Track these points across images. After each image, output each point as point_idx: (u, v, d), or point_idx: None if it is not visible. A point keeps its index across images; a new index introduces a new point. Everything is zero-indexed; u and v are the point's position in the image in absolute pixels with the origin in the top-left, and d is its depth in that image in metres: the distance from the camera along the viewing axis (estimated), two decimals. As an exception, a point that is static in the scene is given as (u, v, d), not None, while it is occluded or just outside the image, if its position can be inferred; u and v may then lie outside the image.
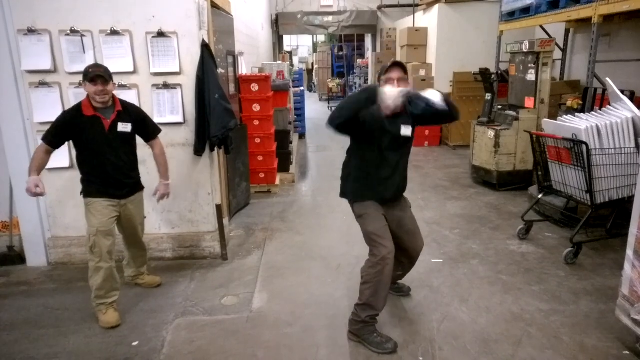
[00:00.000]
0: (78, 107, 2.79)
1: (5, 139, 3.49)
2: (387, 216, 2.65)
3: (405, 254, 2.80)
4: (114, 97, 2.86)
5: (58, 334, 2.80)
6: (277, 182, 5.75)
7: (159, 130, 3.09)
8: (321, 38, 19.70)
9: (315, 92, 19.30)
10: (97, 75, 2.69)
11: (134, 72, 3.44)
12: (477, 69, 6.20)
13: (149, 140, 3.04)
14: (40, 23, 3.31)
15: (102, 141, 2.79)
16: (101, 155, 2.80)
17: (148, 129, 3.01)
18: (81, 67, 2.89)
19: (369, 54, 14.47)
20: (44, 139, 2.77)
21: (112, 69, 3.32)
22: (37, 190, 2.67)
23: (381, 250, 2.49)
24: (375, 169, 2.60)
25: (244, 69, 5.80)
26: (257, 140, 5.40)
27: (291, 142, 6.48)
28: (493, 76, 6.03)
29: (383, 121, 2.49)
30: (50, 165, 3.40)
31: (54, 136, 2.76)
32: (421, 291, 3.20)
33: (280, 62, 9.61)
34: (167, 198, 3.15)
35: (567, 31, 6.86)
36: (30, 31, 3.30)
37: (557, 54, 6.64)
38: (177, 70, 3.44)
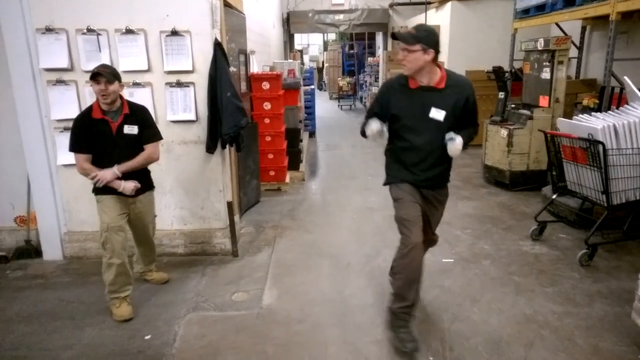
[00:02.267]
0: (88, 111, 2.83)
1: (24, 135, 3.56)
2: (422, 203, 2.58)
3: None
4: (122, 99, 2.87)
5: (73, 326, 2.85)
6: (287, 180, 5.77)
7: (158, 138, 3.00)
8: (332, 36, 19.66)
9: (325, 90, 19.29)
10: (96, 72, 2.67)
11: (148, 70, 3.48)
12: (490, 67, 6.14)
13: (144, 143, 2.92)
14: (57, 22, 3.37)
15: (110, 143, 2.81)
16: (109, 157, 2.82)
17: (145, 133, 2.91)
18: (97, 65, 2.92)
19: (379, 52, 14.41)
20: (75, 150, 2.81)
21: (126, 68, 3.40)
22: (132, 187, 2.83)
23: (410, 239, 2.45)
24: (403, 152, 2.57)
25: (255, 68, 5.83)
26: (268, 138, 5.43)
27: (301, 141, 6.49)
28: (506, 74, 5.97)
29: (411, 102, 2.46)
30: (66, 161, 3.50)
31: (80, 142, 2.80)
32: (432, 291, 3.19)
33: (291, 60, 9.63)
34: (94, 181, 2.79)
35: (583, 29, 6.76)
36: (48, 30, 3.36)
37: (573, 52, 6.54)
38: (190, 68, 3.48)
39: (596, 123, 3.49)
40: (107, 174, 2.78)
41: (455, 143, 2.43)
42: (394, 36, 2.42)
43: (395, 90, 2.53)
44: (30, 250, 3.81)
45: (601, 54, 5.77)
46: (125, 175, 2.85)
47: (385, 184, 2.71)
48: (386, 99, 2.56)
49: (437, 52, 2.37)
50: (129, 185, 2.82)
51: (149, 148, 2.93)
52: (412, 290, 2.52)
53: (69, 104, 3.47)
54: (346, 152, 7.97)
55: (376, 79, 13.33)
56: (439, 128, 2.45)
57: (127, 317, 2.87)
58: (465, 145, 2.48)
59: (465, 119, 2.53)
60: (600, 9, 4.56)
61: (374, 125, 2.49)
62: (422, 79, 2.42)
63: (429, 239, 2.78)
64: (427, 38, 2.32)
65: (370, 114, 2.62)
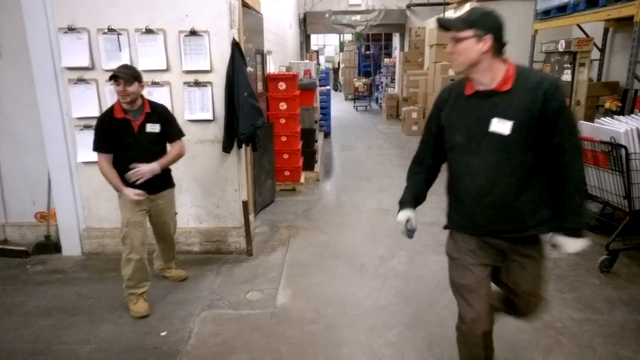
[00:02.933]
0: (110, 110, 2.88)
1: (45, 132, 3.63)
2: (494, 261, 1.92)
3: (513, 308, 2.12)
4: (143, 98, 2.91)
5: (90, 321, 2.90)
6: (302, 180, 5.77)
7: (182, 135, 3.08)
8: (348, 37, 19.64)
9: (340, 91, 19.27)
10: (114, 74, 2.72)
11: (167, 69, 3.52)
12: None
13: (171, 141, 3.05)
14: (79, 22, 3.43)
15: (132, 142, 2.85)
16: (132, 155, 2.85)
17: (170, 131, 3.01)
18: (117, 65, 2.97)
19: (396, 53, 14.34)
20: (98, 149, 2.86)
21: (145, 67, 3.44)
22: (139, 197, 2.80)
23: (465, 313, 1.92)
24: (458, 183, 1.88)
25: (271, 68, 5.85)
26: (283, 139, 5.44)
27: (316, 141, 6.49)
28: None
29: (465, 113, 1.82)
30: (86, 158, 3.56)
31: (102, 142, 2.85)
32: (447, 293, 3.13)
33: (307, 61, 9.64)
34: (137, 177, 2.79)
35: (605, 30, 6.60)
36: (70, 29, 3.43)
37: (595, 54, 6.40)
38: (208, 68, 3.51)
39: (619, 126, 3.41)
40: (146, 169, 2.82)
41: (564, 248, 1.79)
42: (440, 23, 1.81)
43: (447, 99, 1.90)
44: (50, 246, 3.89)
45: (624, 56, 5.63)
46: (149, 177, 2.87)
47: (445, 228, 2.06)
48: (436, 115, 1.93)
49: (498, 40, 1.71)
50: (130, 192, 2.80)
51: (176, 144, 3.03)
52: None
53: (89, 103, 3.53)
54: (361, 153, 7.94)
55: (392, 80, 13.27)
56: (507, 145, 1.71)
57: (143, 313, 2.90)
58: (583, 214, 1.80)
59: (549, 139, 1.70)
60: (624, 10, 4.45)
61: (401, 216, 1.99)
62: (481, 80, 1.75)
63: (519, 307, 2.04)
64: (482, 21, 1.70)
65: (422, 145, 2.04)
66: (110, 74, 2.76)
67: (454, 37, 1.75)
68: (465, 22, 1.72)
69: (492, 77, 1.74)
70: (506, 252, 1.89)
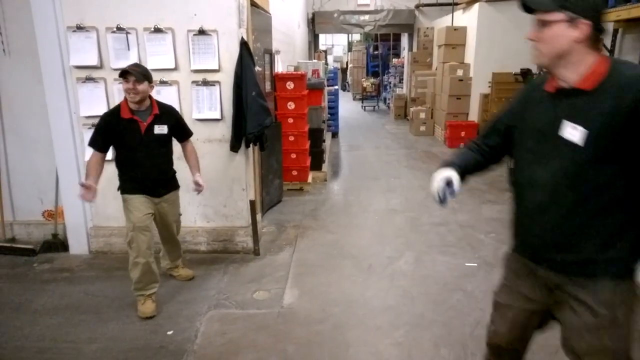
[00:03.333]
0: (117, 110, 2.83)
1: (53, 131, 3.65)
2: (536, 305, 1.61)
3: None
4: (151, 99, 2.88)
5: (97, 319, 2.91)
6: (310, 180, 5.76)
7: (191, 133, 3.13)
8: (356, 37, 19.61)
9: (349, 91, 19.24)
10: (125, 70, 2.69)
11: (175, 68, 3.52)
12: (517, 69, 6.01)
13: (182, 141, 3.09)
14: (88, 20, 3.45)
15: (138, 143, 2.82)
16: (137, 157, 2.84)
17: (182, 132, 3.06)
18: (125, 64, 2.98)
19: (404, 53, 14.29)
20: (93, 145, 2.82)
21: (154, 66, 3.45)
22: (85, 194, 2.66)
23: (490, 340, 1.81)
24: (520, 195, 1.58)
25: (279, 67, 5.84)
26: (291, 138, 5.44)
27: (324, 141, 6.48)
28: (535, 77, 5.83)
29: (539, 113, 1.50)
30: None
31: (100, 140, 2.80)
32: (454, 294, 3.13)
33: (315, 60, 9.63)
34: (201, 191, 3.10)
35: (615, 31, 6.53)
36: (79, 28, 3.44)
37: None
38: (216, 67, 3.51)
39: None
40: (203, 184, 3.01)
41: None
42: (523, 1, 1.45)
43: (526, 95, 1.61)
44: (57, 244, 3.91)
45: (634, 57, 5.56)
46: (152, 179, 2.90)
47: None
48: (509, 110, 1.67)
49: (597, 28, 1.36)
50: (81, 191, 2.66)
51: (189, 145, 3.09)
52: None
53: (97, 101, 3.54)
54: (369, 153, 7.92)
55: (400, 80, 13.22)
56: (577, 156, 1.37)
57: (149, 314, 2.90)
58: None
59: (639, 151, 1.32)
60: (634, 11, 4.40)
61: (441, 173, 1.64)
62: (566, 76, 1.41)
63: None
64: (579, 2, 1.34)
65: (484, 134, 1.76)
66: (118, 72, 2.76)
67: (540, 19, 1.41)
68: (557, 2, 1.36)
69: (579, 73, 1.39)
70: (554, 288, 1.52)
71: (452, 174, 1.63)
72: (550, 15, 1.37)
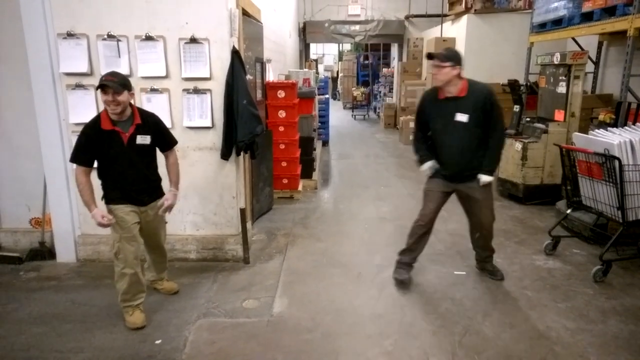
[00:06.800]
0: (97, 121, 2.72)
1: (42, 138, 3.63)
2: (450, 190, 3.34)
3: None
4: (132, 107, 2.78)
5: (84, 329, 2.87)
6: (300, 188, 5.78)
7: (175, 142, 3.05)
8: (347, 46, 19.78)
9: (339, 100, 19.36)
10: (103, 84, 2.59)
11: (166, 76, 3.53)
12: (505, 80, 6.11)
13: (164, 151, 3.00)
14: (79, 27, 3.45)
15: (121, 154, 2.74)
16: (121, 167, 2.76)
17: (164, 141, 2.96)
18: (117, 71, 2.96)
19: (394, 63, 14.45)
20: (76, 160, 2.73)
21: (145, 74, 3.46)
22: (105, 221, 2.70)
23: (422, 219, 3.36)
24: (440, 149, 3.23)
25: (271, 76, 5.88)
26: (282, 146, 5.46)
27: (315, 149, 6.51)
28: (522, 88, 5.94)
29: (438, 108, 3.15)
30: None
31: (84, 154, 2.72)
32: (443, 303, 3.16)
33: (306, 69, 9.69)
34: (169, 211, 2.99)
35: (600, 44, 6.70)
36: (70, 35, 3.44)
37: (589, 67, 6.48)
38: (208, 75, 3.52)
39: (612, 138, 3.45)
40: (173, 201, 2.93)
41: (481, 180, 3.14)
42: (429, 56, 3.11)
43: (428, 101, 3.24)
44: (44, 252, 3.86)
45: (618, 69, 5.71)
46: (136, 188, 2.85)
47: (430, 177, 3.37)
48: (421, 111, 3.28)
49: (461, 68, 3.02)
50: (98, 216, 2.70)
51: (172, 155, 3.01)
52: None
53: (87, 108, 3.53)
54: (359, 161, 7.97)
55: (390, 90, 13.35)
56: (466, 128, 3.06)
57: (139, 325, 2.85)
58: (495, 164, 3.18)
59: (488, 122, 3.07)
60: (618, 24, 4.53)
61: (428, 164, 3.27)
62: (450, 90, 3.04)
63: (475, 215, 3.46)
64: (455, 57, 3.00)
65: (417, 128, 3.38)
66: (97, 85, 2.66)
67: (438, 65, 2.99)
68: (446, 57, 2.98)
69: (457, 88, 3.05)
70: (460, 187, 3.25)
71: (432, 163, 3.29)
72: (444, 63, 2.99)
